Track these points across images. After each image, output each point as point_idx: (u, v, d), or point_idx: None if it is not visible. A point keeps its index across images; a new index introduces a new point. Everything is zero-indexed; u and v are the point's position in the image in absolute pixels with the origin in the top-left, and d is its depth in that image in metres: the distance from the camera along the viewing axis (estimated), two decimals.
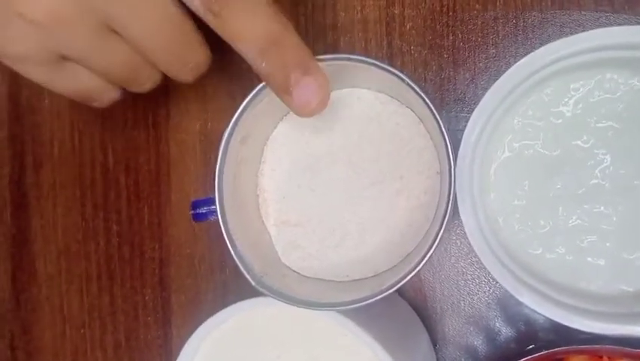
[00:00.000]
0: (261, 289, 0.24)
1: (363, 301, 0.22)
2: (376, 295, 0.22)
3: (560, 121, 0.28)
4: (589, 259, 0.27)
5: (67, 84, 0.25)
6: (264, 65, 0.22)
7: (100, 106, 0.27)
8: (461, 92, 0.34)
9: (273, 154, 0.28)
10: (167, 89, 0.37)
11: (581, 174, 0.27)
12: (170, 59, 0.24)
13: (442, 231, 0.22)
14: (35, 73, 0.24)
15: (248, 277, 0.24)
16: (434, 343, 0.33)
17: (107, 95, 0.26)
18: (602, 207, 0.27)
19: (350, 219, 0.26)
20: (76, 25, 0.22)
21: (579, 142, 0.28)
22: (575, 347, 0.27)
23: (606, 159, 0.27)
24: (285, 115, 0.27)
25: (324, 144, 0.27)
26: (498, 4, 0.33)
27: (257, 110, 0.25)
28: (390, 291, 0.22)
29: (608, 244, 0.27)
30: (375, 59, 0.23)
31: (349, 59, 0.24)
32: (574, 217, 0.27)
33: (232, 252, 0.25)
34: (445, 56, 0.34)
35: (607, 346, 0.27)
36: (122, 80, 0.25)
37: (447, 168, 0.22)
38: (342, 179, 0.26)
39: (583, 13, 0.32)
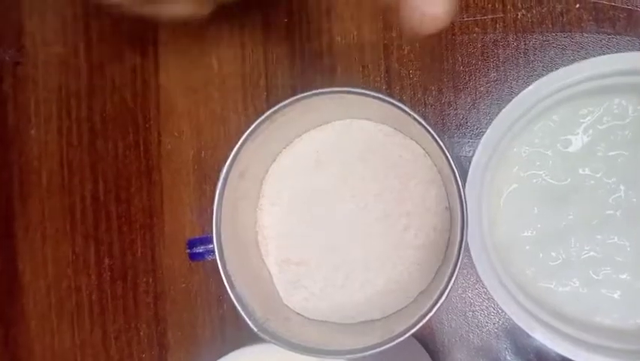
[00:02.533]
0: (263, 336, 0.23)
1: (373, 349, 0.21)
2: (386, 344, 0.21)
3: (568, 149, 0.27)
4: (603, 291, 0.27)
5: (168, 12, 0.25)
6: None
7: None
8: (463, 117, 0.33)
9: (272, 188, 0.26)
10: (158, 114, 0.36)
11: (593, 204, 0.27)
12: None
13: (455, 273, 0.21)
14: (138, 7, 0.24)
15: (250, 323, 0.23)
16: None
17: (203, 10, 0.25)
18: (616, 238, 0.26)
19: (355, 258, 0.25)
20: None
21: (589, 170, 0.27)
22: None
23: (619, 187, 0.26)
24: (285, 147, 0.26)
25: (325, 177, 0.26)
26: (497, 27, 0.32)
27: (256, 143, 0.24)
28: (400, 339, 0.21)
29: (623, 276, 0.26)
30: (377, 90, 0.22)
31: (349, 92, 0.23)
32: (587, 248, 0.27)
33: (232, 295, 0.23)
34: (445, 80, 0.33)
35: None
36: None
37: (458, 204, 0.21)
38: (346, 214, 0.25)
39: (585, 35, 0.31)
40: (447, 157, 0.21)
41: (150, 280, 0.36)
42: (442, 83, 0.33)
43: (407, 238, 0.24)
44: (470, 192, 0.26)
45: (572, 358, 0.25)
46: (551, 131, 0.27)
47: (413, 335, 0.30)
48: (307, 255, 0.26)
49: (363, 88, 0.22)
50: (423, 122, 0.21)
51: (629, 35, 0.30)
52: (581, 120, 0.27)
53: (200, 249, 0.25)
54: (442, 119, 0.33)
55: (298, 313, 0.26)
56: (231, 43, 0.35)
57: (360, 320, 0.25)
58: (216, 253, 0.23)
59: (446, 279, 0.21)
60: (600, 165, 0.26)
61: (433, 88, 0.33)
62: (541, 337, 0.25)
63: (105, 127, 0.36)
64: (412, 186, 0.25)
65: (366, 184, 0.25)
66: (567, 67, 0.25)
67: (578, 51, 0.32)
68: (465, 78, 0.33)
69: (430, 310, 0.21)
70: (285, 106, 0.23)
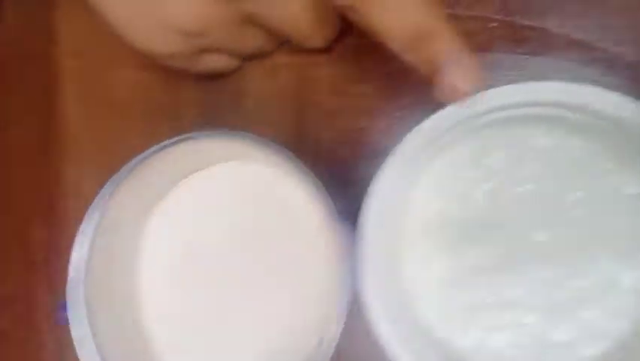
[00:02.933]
0: None
1: None
2: None
3: (475, 186, 0.25)
4: (511, 337, 0.25)
5: (203, 68, 0.29)
6: (408, 56, 0.21)
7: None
8: (378, 144, 0.30)
9: (151, 239, 0.24)
10: None
11: (505, 240, 0.24)
12: (303, 36, 0.27)
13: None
14: (176, 64, 0.28)
15: None
16: None
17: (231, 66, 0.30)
18: (526, 279, 0.24)
19: (242, 315, 0.23)
20: (222, 27, 0.25)
21: (501, 203, 0.25)
22: None
23: (527, 225, 0.24)
24: (161, 198, 0.24)
25: (206, 228, 0.23)
26: None
27: (120, 194, 0.21)
28: None
29: (529, 320, 0.24)
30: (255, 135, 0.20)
31: (233, 136, 0.20)
32: (495, 290, 0.24)
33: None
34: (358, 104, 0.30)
35: None
36: (252, 55, 0.29)
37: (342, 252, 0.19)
38: (233, 269, 0.23)
39: (501, 54, 0.29)
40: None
41: None
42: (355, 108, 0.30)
43: (300, 290, 0.22)
44: (367, 228, 0.23)
45: None
46: (461, 162, 0.25)
47: None
48: (188, 314, 0.23)
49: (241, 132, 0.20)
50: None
51: (544, 55, 0.28)
52: (487, 154, 0.25)
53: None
54: (352, 147, 0.30)
55: None
56: None
57: None
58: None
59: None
60: (508, 202, 0.24)
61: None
62: None
63: None
64: (302, 233, 0.22)
65: (253, 234, 0.23)
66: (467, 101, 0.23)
67: (495, 70, 0.30)
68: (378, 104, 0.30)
69: None
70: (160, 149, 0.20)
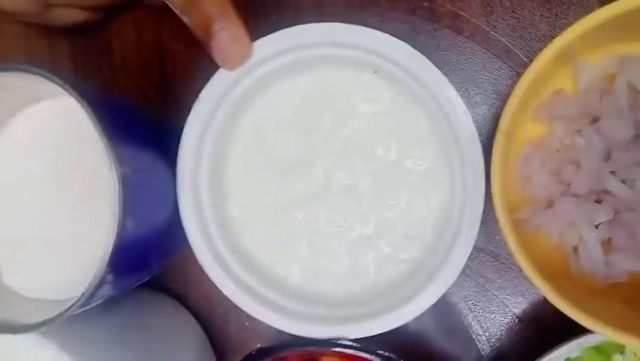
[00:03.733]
0: None
1: (53, 321, 0.22)
2: (64, 313, 0.22)
3: (286, 122, 0.27)
4: (328, 259, 0.27)
5: (60, 22, 0.30)
6: (186, 20, 0.24)
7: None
8: None
9: None
10: None
11: (306, 175, 0.27)
12: None
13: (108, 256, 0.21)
14: (34, 20, 0.30)
15: None
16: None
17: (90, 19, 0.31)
18: (323, 210, 0.27)
19: (66, 236, 0.25)
20: None
21: (300, 144, 0.27)
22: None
23: (326, 160, 0.27)
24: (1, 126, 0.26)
25: (37, 157, 0.26)
26: None
27: None
28: (72, 309, 0.21)
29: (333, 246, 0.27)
30: (41, 68, 0.22)
31: (29, 71, 0.22)
32: (300, 218, 0.27)
33: None
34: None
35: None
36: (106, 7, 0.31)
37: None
38: (55, 194, 0.25)
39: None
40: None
41: None
42: None
43: (106, 215, 0.25)
44: (182, 170, 0.26)
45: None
46: (270, 105, 0.27)
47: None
48: (24, 237, 0.26)
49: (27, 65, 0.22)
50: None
51: (373, 6, 0.30)
52: (298, 91, 0.27)
53: None
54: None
55: (15, 292, 0.26)
56: None
57: (71, 295, 0.25)
58: None
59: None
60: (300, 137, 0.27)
61: None
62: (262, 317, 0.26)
63: None
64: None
65: (68, 167, 0.25)
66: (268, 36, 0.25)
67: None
68: None
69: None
70: None
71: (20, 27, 0.34)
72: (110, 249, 0.22)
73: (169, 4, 0.25)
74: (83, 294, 0.22)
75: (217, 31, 0.24)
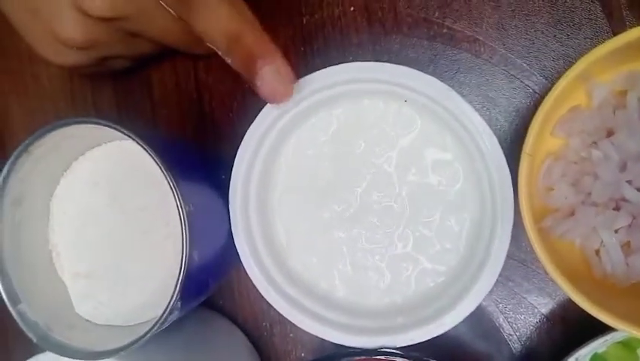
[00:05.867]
0: (42, 345, 0.26)
1: (132, 345, 0.24)
2: (142, 338, 0.24)
3: (323, 149, 0.30)
4: (369, 274, 0.30)
5: (108, 69, 0.32)
6: (230, 61, 0.26)
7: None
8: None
9: (58, 209, 0.29)
10: None
11: (345, 198, 0.29)
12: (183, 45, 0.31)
13: (179, 285, 0.24)
14: (84, 71, 0.32)
15: (30, 334, 0.26)
16: None
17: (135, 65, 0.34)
18: (363, 229, 0.29)
19: (131, 267, 0.28)
20: (109, 41, 0.29)
21: (338, 168, 0.30)
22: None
23: (362, 184, 0.29)
24: (65, 171, 0.29)
25: (102, 196, 0.28)
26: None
27: (22, 172, 0.26)
28: (148, 335, 0.24)
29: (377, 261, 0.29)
30: (109, 121, 0.25)
31: (98, 123, 0.25)
32: (341, 237, 0.30)
33: (13, 312, 0.26)
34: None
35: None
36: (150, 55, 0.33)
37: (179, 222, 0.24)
38: (119, 229, 0.28)
39: (360, 35, 0.33)
40: (158, 165, 0.24)
41: None
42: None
43: (168, 245, 0.27)
44: (233, 197, 0.29)
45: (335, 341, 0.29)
46: (309, 135, 0.30)
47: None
48: (93, 268, 0.28)
49: (102, 120, 0.25)
50: (141, 143, 0.24)
51: (396, 34, 0.33)
52: (332, 121, 0.29)
53: None
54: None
55: (87, 321, 0.28)
56: None
57: (140, 321, 0.28)
58: None
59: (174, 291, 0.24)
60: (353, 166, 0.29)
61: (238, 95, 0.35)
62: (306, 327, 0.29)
63: None
64: (171, 199, 0.27)
65: (134, 201, 0.28)
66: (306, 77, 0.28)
67: (356, 52, 0.34)
68: None
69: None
70: (35, 139, 0.25)
71: (64, 70, 0.37)
72: (179, 280, 0.24)
73: (212, 47, 0.27)
74: (157, 321, 0.24)
75: (261, 68, 0.25)
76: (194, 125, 0.36)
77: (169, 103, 0.36)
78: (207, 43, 0.27)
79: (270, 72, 0.25)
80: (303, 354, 0.35)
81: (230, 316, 0.36)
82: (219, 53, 0.27)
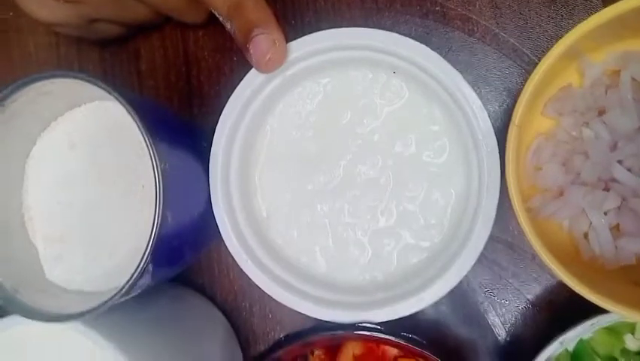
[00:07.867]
0: (7, 307, 0.25)
1: (98, 309, 0.23)
2: (108, 302, 0.23)
3: (305, 120, 0.29)
4: (351, 249, 0.29)
5: (98, 35, 0.32)
6: (229, 25, 0.26)
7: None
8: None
9: (33, 171, 0.28)
10: None
11: (329, 170, 0.29)
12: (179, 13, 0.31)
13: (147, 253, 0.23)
14: (73, 32, 0.31)
15: None
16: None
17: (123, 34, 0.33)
18: (339, 202, 0.28)
19: (106, 232, 0.27)
20: None
21: (324, 139, 0.29)
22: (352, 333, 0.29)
23: (347, 156, 0.29)
24: (42, 132, 0.28)
25: (78, 159, 0.27)
26: None
27: None
28: (115, 298, 0.23)
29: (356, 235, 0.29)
30: (88, 75, 0.24)
31: (75, 77, 0.24)
32: (325, 211, 0.29)
33: None
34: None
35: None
36: (141, 25, 0.33)
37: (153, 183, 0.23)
38: (95, 193, 0.27)
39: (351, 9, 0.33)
40: (139, 128, 0.23)
41: None
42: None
43: (144, 209, 0.26)
44: (214, 166, 0.28)
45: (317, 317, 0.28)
46: (294, 104, 0.29)
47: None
48: (67, 232, 0.27)
49: (80, 73, 0.24)
50: (120, 99, 0.23)
51: (388, 10, 0.32)
52: (319, 91, 0.29)
53: None
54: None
55: (58, 285, 0.27)
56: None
57: (111, 286, 0.27)
58: None
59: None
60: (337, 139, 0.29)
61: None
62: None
63: None
64: (146, 163, 0.26)
65: (110, 164, 0.27)
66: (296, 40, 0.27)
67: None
68: None
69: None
70: (10, 92, 0.25)
71: (51, 38, 0.36)
72: (151, 239, 0.23)
73: (213, 10, 0.27)
74: (126, 282, 0.24)
75: (257, 36, 0.26)
76: (180, 98, 0.35)
77: (156, 75, 0.35)
78: (209, 8, 0.27)
79: (263, 39, 0.25)
80: (282, 336, 0.35)
81: (210, 295, 0.35)
82: (220, 19, 0.27)
